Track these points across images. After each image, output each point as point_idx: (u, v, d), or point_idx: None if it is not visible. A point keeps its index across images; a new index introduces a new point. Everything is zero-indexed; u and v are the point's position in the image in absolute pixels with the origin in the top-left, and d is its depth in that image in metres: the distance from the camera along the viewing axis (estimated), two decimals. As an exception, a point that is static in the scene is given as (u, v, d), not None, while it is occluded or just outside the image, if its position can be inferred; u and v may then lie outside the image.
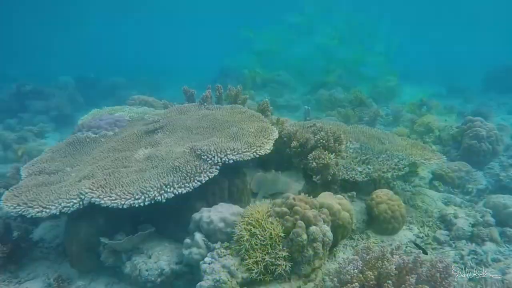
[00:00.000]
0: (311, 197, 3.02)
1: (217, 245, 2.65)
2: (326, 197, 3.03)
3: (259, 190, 4.11)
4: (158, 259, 2.90)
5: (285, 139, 4.02)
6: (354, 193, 3.72)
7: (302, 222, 2.45)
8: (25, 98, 9.43)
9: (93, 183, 2.89)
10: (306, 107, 7.86)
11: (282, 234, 2.48)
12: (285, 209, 2.60)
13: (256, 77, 13.45)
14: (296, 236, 2.40)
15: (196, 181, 2.82)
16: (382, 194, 3.60)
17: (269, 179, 4.28)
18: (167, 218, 3.15)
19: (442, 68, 20.75)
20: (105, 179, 2.95)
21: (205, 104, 4.45)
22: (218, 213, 2.75)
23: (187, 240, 2.75)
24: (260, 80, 13.47)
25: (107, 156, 3.63)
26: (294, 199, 2.68)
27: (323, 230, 2.50)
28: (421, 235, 3.57)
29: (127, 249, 2.93)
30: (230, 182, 3.23)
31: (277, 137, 3.64)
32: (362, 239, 3.52)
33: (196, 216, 2.82)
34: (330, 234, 2.53)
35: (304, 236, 2.40)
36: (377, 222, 3.52)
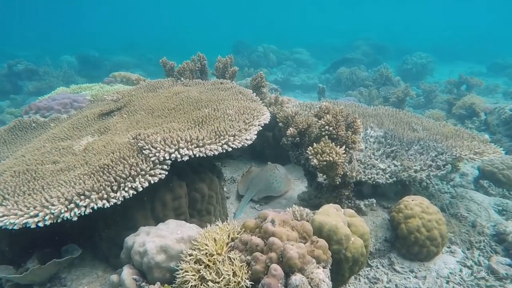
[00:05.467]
0: (307, 211, 2.03)
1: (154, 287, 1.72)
2: (329, 213, 1.99)
3: (246, 192, 3.13)
4: (82, 297, 2.02)
5: (280, 124, 2.99)
6: (374, 201, 2.66)
7: (278, 267, 1.46)
8: (18, 78, 8.74)
9: (-15, 188, 2.01)
10: (320, 85, 6.68)
11: (248, 283, 1.50)
12: (256, 240, 1.61)
13: (271, 54, 12.24)
14: (267, 292, 1.41)
15: (127, 188, 1.87)
16: (413, 203, 2.53)
17: (262, 176, 3.28)
18: (104, 236, 2.24)
19: (480, 44, 18.75)
20: (5, 182, 2.06)
21: (182, 79, 3.45)
22: (158, 239, 1.79)
23: (113, 277, 1.83)
24: (274, 57, 12.27)
25: (43, 146, 2.75)
26: (273, 221, 1.69)
27: (315, 279, 1.49)
28: (468, 263, 2.49)
29: (37, 282, 2.06)
30: (190, 186, 2.25)
31: (266, 122, 2.63)
32: (383, 266, 2.50)
33: (129, 240, 1.89)
34: (326, 285, 1.53)
35: (281, 293, 1.41)
36: (406, 244, 2.47)
